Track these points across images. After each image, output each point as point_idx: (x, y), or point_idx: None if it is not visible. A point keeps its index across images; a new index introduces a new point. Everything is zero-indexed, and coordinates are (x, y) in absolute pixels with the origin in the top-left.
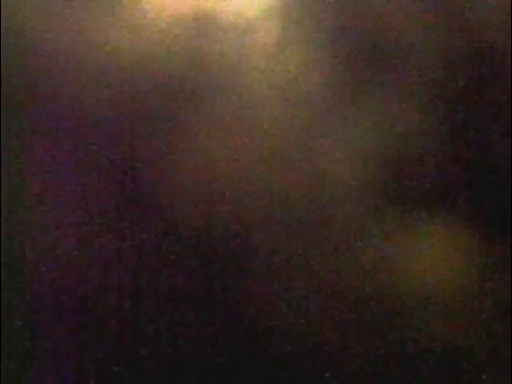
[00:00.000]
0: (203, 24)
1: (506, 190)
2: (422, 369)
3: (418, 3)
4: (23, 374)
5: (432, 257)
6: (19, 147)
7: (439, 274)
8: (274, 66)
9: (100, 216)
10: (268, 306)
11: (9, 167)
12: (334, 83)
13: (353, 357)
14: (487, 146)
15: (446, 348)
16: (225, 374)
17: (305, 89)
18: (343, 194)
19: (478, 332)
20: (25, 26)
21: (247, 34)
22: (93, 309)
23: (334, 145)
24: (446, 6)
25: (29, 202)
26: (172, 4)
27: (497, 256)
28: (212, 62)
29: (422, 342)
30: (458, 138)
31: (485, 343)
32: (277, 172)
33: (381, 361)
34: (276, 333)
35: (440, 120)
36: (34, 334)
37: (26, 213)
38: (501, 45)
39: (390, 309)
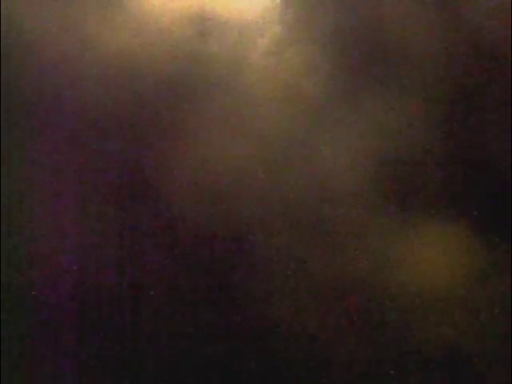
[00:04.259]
0: (203, 24)
1: (506, 189)
2: (422, 369)
3: (417, 3)
4: (23, 373)
5: (432, 257)
6: (19, 147)
7: (439, 274)
8: (274, 66)
9: (100, 215)
10: (268, 305)
11: (9, 167)
12: (335, 83)
13: (353, 356)
14: (487, 145)
15: (445, 348)
16: (225, 373)
17: (305, 88)
18: (343, 193)
19: (478, 332)
20: (25, 26)
21: (247, 34)
22: (92, 307)
23: (335, 144)
24: (446, 6)
25: (29, 201)
26: (172, 4)
27: (497, 256)
28: (212, 62)
29: (421, 341)
30: (459, 137)
31: (485, 343)
32: (277, 171)
33: (381, 360)
34: (276, 332)
35: (440, 120)
36: (34, 334)
37: (26, 212)
38: (501, 45)
39: (390, 309)
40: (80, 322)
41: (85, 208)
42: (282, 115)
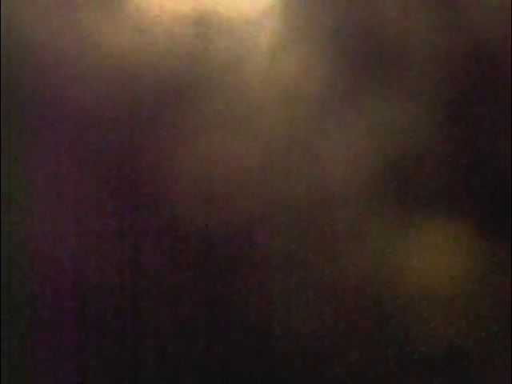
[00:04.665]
0: (203, 24)
1: (506, 190)
2: (422, 369)
3: (418, 3)
4: (23, 374)
5: (432, 257)
6: (19, 147)
7: (439, 274)
8: (275, 66)
9: (100, 216)
10: (268, 306)
11: (9, 167)
12: (335, 83)
13: (353, 357)
14: (487, 145)
15: (445, 348)
16: (225, 373)
17: (305, 89)
18: (344, 194)
19: (478, 332)
20: (25, 25)
21: (247, 34)
22: (92, 308)
23: (335, 144)
24: (446, 6)
25: (29, 201)
26: (172, 4)
27: (497, 256)
28: (212, 62)
29: (421, 341)
30: (459, 138)
31: (485, 343)
32: (277, 171)
33: (380, 361)
34: (276, 333)
35: (440, 120)
36: (34, 334)
37: (26, 212)
38: (501, 45)
39: (391, 309)
40: (80, 322)
41: (85, 208)
42: (282, 115)
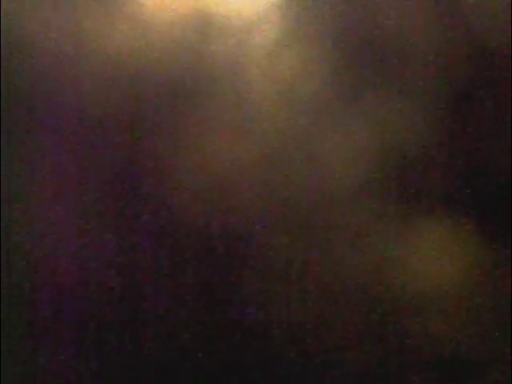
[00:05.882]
0: (203, 24)
1: (506, 190)
2: (422, 368)
3: (418, 3)
4: (23, 374)
5: (433, 257)
6: (19, 147)
7: (440, 274)
8: (275, 66)
9: (100, 216)
10: (268, 305)
11: (9, 167)
12: (335, 83)
13: (353, 356)
14: (487, 146)
15: (445, 348)
16: (224, 373)
17: (305, 89)
18: (344, 194)
19: (478, 332)
20: (25, 25)
21: (247, 34)
22: (92, 308)
23: (335, 144)
24: (446, 6)
25: (29, 201)
26: (172, 4)
27: (497, 256)
28: (212, 62)
29: (421, 341)
30: (459, 138)
31: (485, 343)
32: (277, 171)
33: (381, 360)
34: (276, 333)
35: (441, 120)
36: (34, 334)
37: (26, 212)
38: (501, 45)
39: (391, 309)
40: (80, 322)
41: (85, 208)
42: (282, 115)
